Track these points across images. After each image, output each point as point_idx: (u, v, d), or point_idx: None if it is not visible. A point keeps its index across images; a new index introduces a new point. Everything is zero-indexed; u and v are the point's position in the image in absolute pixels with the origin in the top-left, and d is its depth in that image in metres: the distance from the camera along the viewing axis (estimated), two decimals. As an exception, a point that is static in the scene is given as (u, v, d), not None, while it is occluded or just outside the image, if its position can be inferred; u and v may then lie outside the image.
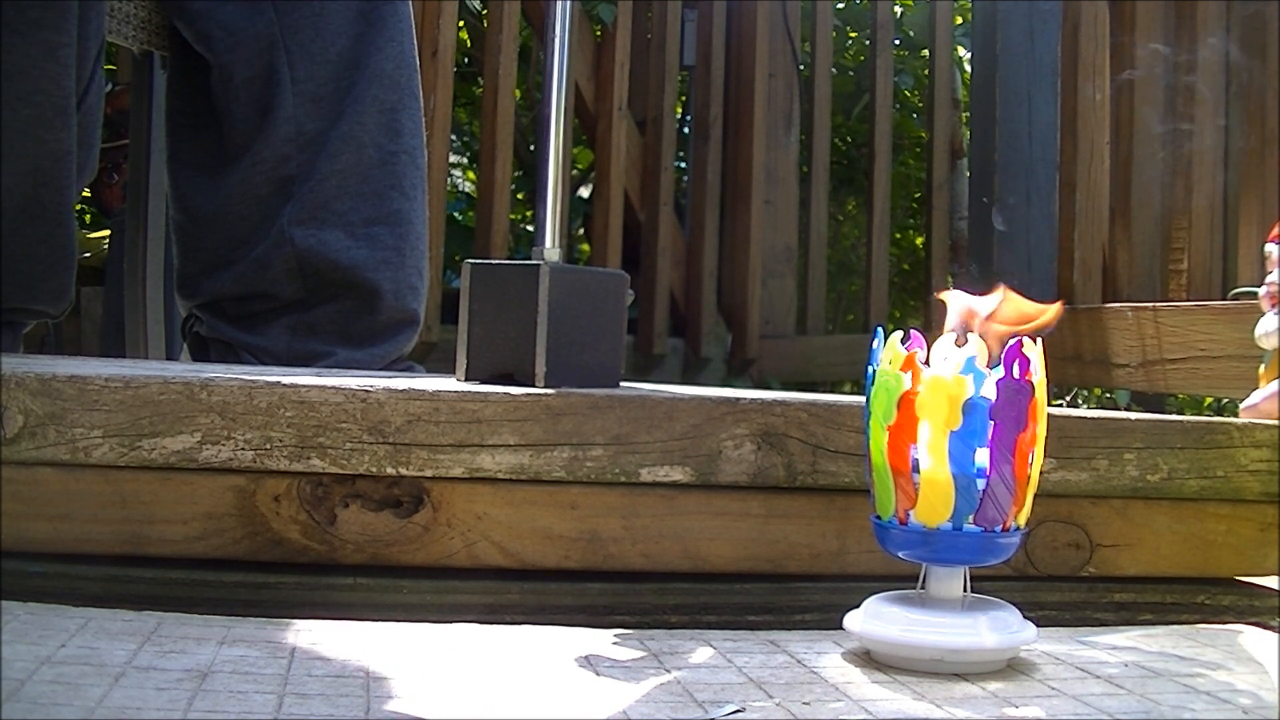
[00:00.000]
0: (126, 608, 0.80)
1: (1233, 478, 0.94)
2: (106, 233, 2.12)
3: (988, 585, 0.82)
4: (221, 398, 0.82)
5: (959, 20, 3.77)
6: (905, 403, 0.76)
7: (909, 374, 0.76)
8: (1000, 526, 0.76)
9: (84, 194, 2.10)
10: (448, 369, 1.00)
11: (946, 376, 0.76)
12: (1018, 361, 0.76)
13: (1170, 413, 1.93)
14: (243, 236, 1.39)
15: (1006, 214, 2.84)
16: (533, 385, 0.91)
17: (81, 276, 1.44)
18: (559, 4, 0.98)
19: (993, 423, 0.75)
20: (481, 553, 0.85)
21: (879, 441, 0.77)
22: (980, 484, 0.76)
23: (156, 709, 0.62)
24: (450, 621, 0.83)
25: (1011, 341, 0.76)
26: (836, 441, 0.89)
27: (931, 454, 0.76)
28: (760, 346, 3.13)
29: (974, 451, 0.76)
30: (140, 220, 1.48)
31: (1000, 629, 0.77)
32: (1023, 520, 0.78)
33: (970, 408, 0.75)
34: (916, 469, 0.76)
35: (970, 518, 0.76)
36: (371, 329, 1.40)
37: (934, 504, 0.76)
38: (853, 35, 4.03)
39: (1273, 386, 1.04)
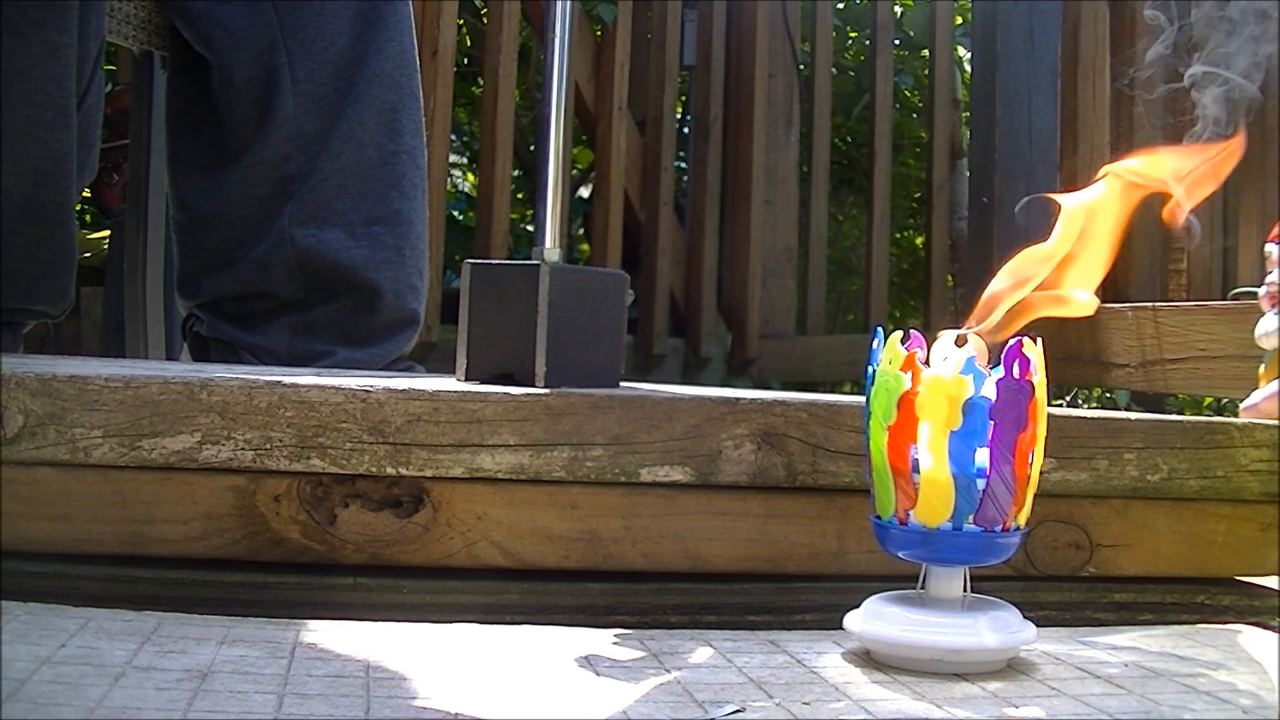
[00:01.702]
0: (126, 608, 0.80)
1: (1233, 478, 0.94)
2: (106, 233, 2.12)
3: (988, 585, 0.82)
4: (221, 398, 0.82)
5: (959, 20, 3.77)
6: (905, 403, 0.76)
7: (909, 374, 0.76)
8: (1000, 526, 0.76)
9: (84, 194, 2.10)
10: (448, 369, 1.00)
11: (946, 376, 0.76)
12: (1018, 361, 0.76)
13: (1170, 413, 1.93)
14: (243, 236, 1.39)
15: (1004, 214, 2.84)
16: (533, 385, 0.91)
17: (81, 276, 1.44)
18: (559, 4, 0.98)
19: (993, 423, 0.75)
20: (481, 553, 0.85)
21: (879, 441, 0.77)
22: (980, 484, 0.76)
23: (156, 709, 0.62)
24: (450, 621, 0.83)
25: (1013, 340, 0.76)
26: (836, 441, 0.89)
27: (931, 454, 0.76)
28: (760, 346, 3.13)
29: (974, 451, 0.76)
30: (140, 220, 1.48)
31: (1000, 629, 0.77)
32: (1023, 520, 0.78)
33: (970, 408, 0.75)
34: (916, 469, 0.76)
35: (970, 518, 0.76)
36: (371, 329, 1.40)
37: (934, 504, 0.76)
38: (853, 35, 4.03)
39: (1273, 386, 1.04)
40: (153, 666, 0.68)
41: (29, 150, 1.27)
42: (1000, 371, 0.76)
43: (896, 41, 3.75)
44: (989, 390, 0.76)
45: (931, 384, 0.76)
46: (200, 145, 1.42)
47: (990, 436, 0.75)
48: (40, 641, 0.71)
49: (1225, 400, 2.37)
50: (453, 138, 3.33)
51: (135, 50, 1.45)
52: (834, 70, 3.51)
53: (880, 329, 0.78)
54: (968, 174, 3.38)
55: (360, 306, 1.39)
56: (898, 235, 3.99)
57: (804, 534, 0.90)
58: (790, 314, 3.24)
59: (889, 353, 0.77)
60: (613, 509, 0.87)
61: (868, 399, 0.78)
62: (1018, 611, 0.79)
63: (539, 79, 2.89)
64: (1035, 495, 0.78)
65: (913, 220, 4.15)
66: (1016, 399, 0.76)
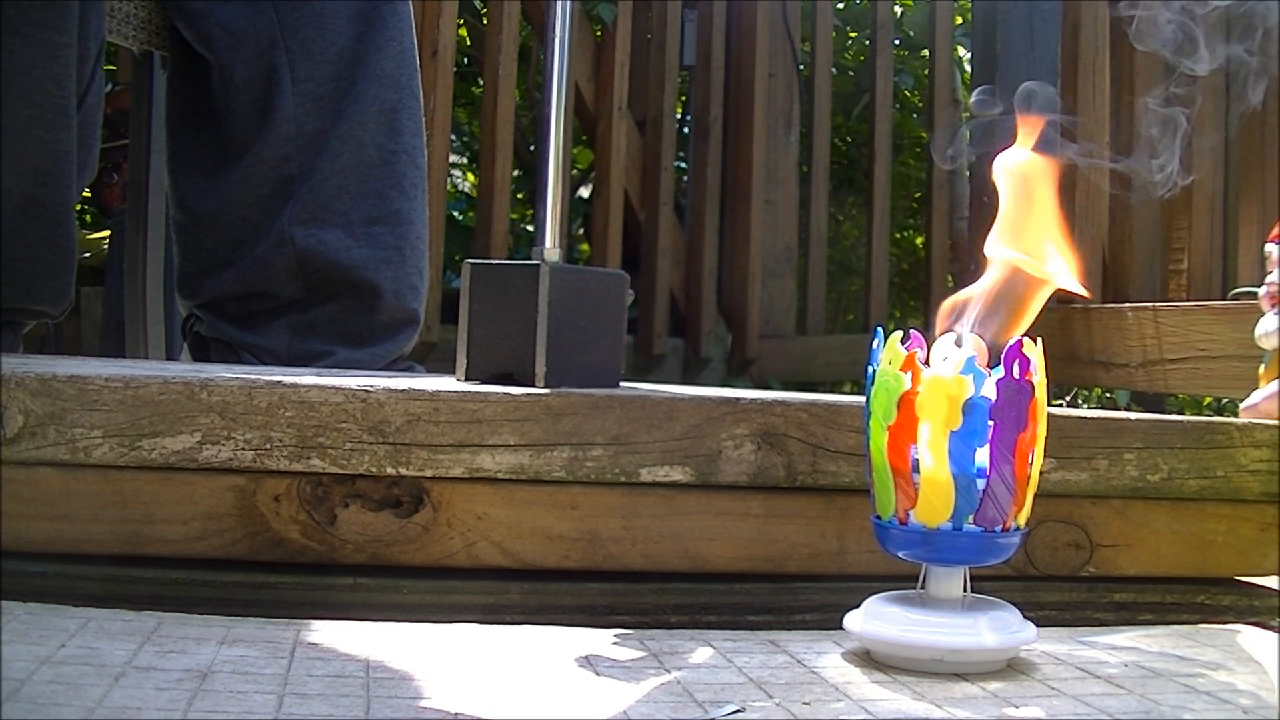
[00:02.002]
0: (126, 608, 0.80)
1: (1233, 478, 0.94)
2: (106, 233, 2.12)
3: (988, 585, 0.82)
4: (221, 398, 0.82)
5: (959, 20, 3.77)
6: (905, 403, 0.76)
7: (909, 374, 0.76)
8: (1000, 526, 0.76)
9: (84, 194, 2.10)
10: (448, 369, 1.00)
11: (946, 376, 0.76)
12: (1018, 361, 0.76)
13: (1170, 413, 1.93)
14: (243, 236, 1.39)
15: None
16: (533, 385, 0.91)
17: (81, 276, 1.44)
18: (559, 4, 0.98)
19: (993, 423, 0.75)
20: (481, 553, 0.85)
21: (879, 441, 0.77)
22: (980, 484, 0.76)
23: (156, 709, 0.62)
24: (450, 621, 0.83)
25: (1011, 341, 0.76)
26: (836, 441, 0.89)
27: (931, 454, 0.76)
28: (760, 346, 3.13)
29: (974, 451, 0.76)
30: (140, 220, 1.48)
31: (1000, 629, 0.77)
32: (1023, 520, 0.78)
33: (970, 408, 0.75)
34: (916, 469, 0.76)
35: (970, 518, 0.76)
36: (371, 328, 1.40)
37: (934, 504, 0.76)
38: (853, 35, 4.03)
39: (1273, 386, 1.04)
40: (153, 666, 0.68)
41: (29, 150, 1.27)
42: (1000, 371, 0.76)
43: (896, 41, 3.75)
44: (989, 390, 0.76)
45: (931, 384, 0.76)
46: (200, 145, 1.42)
47: (990, 436, 0.75)
48: (40, 641, 0.71)
49: (1225, 400, 2.37)
50: (453, 138, 3.33)
51: (135, 50, 1.45)
52: (834, 70, 3.51)
53: (880, 329, 0.78)
54: (968, 174, 3.38)
55: (360, 306, 1.39)
56: (898, 235, 3.99)
57: (804, 534, 0.90)
58: (790, 314, 3.24)
59: (889, 353, 0.77)
60: (613, 509, 0.87)
61: (868, 399, 0.78)
62: (1018, 611, 0.79)
63: (539, 79, 2.89)
64: (1035, 495, 0.78)
65: (913, 220, 4.15)
66: (1016, 399, 0.76)
